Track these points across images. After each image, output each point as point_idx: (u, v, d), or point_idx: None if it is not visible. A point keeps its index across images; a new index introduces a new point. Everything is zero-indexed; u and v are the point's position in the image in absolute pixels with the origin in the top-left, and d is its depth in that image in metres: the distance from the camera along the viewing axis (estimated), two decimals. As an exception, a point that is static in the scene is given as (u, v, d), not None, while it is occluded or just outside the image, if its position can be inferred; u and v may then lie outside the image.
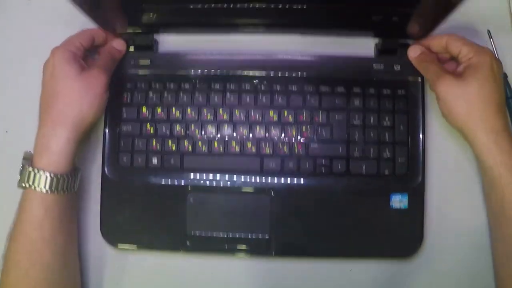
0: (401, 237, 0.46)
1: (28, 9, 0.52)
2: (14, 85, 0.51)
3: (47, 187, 0.41)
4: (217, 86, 0.48)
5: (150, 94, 0.47)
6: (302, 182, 0.47)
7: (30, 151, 0.43)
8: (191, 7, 0.44)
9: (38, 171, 0.41)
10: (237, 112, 0.47)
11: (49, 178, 0.41)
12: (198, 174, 0.47)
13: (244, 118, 0.47)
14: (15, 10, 0.52)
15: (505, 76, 0.49)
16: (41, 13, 0.51)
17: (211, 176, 0.47)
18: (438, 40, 0.45)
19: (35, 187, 0.40)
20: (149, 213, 0.47)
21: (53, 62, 0.43)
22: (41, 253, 0.41)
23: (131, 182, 0.47)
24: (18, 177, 0.41)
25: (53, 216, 0.41)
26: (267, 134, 0.47)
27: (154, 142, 0.47)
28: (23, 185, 0.41)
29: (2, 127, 0.51)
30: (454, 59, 0.46)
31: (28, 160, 0.42)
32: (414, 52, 0.46)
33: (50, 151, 0.41)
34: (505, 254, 0.42)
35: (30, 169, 0.41)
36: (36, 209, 0.41)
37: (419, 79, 0.47)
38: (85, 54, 0.46)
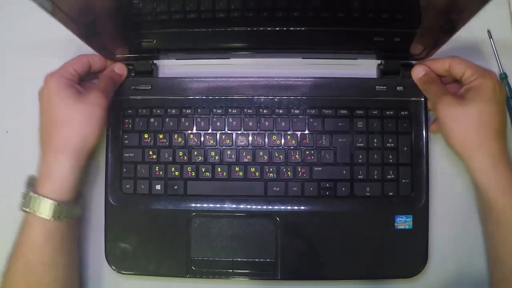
0: (406, 258, 0.46)
1: (30, 11, 0.51)
2: (14, 85, 0.51)
3: (49, 214, 0.40)
4: (219, 110, 0.47)
5: (152, 120, 0.47)
6: (306, 205, 0.46)
7: (33, 176, 0.43)
8: (190, 31, 0.44)
9: (41, 198, 0.40)
10: (239, 137, 0.47)
11: (52, 205, 0.40)
12: (202, 200, 0.47)
13: (246, 142, 0.47)
14: (15, 11, 0.51)
15: (505, 76, 0.49)
16: (41, 13, 0.51)
17: (215, 201, 0.47)
18: (440, 63, 0.45)
19: (37, 213, 0.40)
20: (154, 239, 0.47)
21: (48, 91, 0.42)
22: (40, 276, 0.41)
23: (135, 208, 0.47)
24: (21, 200, 0.41)
25: (54, 241, 0.41)
26: (270, 159, 0.47)
27: (157, 169, 0.47)
28: (25, 209, 0.41)
29: (2, 127, 0.51)
30: (457, 81, 0.45)
31: (31, 185, 0.42)
32: (418, 72, 0.46)
33: (54, 179, 0.41)
34: (503, 276, 0.43)
35: (33, 194, 0.41)
36: (37, 234, 0.41)
37: (422, 100, 0.47)
38: (81, 79, 0.45)
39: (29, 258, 0.41)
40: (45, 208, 0.40)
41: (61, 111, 0.42)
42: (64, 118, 0.42)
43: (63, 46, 0.49)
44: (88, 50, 0.44)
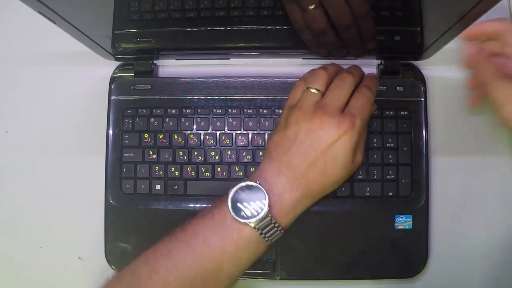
0: (406, 258, 0.46)
1: (28, 9, 0.52)
2: (14, 85, 0.51)
3: (273, 241, 0.38)
4: (219, 110, 0.47)
5: (152, 120, 0.47)
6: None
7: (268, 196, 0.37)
8: (189, 30, 0.44)
9: (278, 228, 0.38)
10: (239, 137, 0.47)
11: (279, 236, 0.38)
12: (202, 200, 0.47)
13: (246, 142, 0.47)
14: (15, 10, 0.52)
15: None
16: (38, 15, 0.51)
17: (215, 201, 0.47)
18: (489, 26, 0.40)
19: (265, 237, 0.38)
20: (154, 239, 0.46)
21: (352, 142, 0.38)
22: (217, 284, 0.38)
23: (135, 208, 0.47)
24: (257, 215, 0.37)
25: (252, 261, 0.39)
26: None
27: (157, 168, 0.47)
28: (257, 228, 0.37)
29: (2, 127, 0.51)
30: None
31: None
32: (471, 49, 0.41)
33: (292, 215, 0.39)
34: None
35: (272, 221, 0.37)
36: (247, 250, 0.38)
37: (422, 100, 0.47)
38: None
39: (223, 266, 0.37)
40: (274, 237, 0.38)
41: (342, 172, 0.39)
42: (338, 177, 0.39)
43: (62, 46, 0.50)
44: (85, 50, 0.44)
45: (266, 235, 0.37)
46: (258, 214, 0.37)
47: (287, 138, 0.39)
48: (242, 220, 0.37)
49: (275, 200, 0.38)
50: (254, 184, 0.37)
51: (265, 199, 0.37)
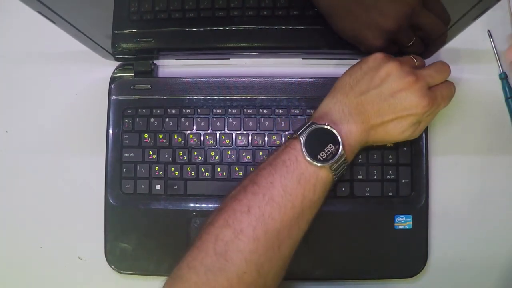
0: (406, 258, 0.46)
1: (28, 9, 0.52)
2: (14, 85, 0.51)
3: (336, 178, 0.39)
4: (219, 110, 0.47)
5: (152, 120, 0.47)
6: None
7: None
8: (189, 30, 0.44)
9: (346, 165, 0.39)
10: (239, 137, 0.47)
11: (344, 171, 0.39)
12: (202, 200, 0.47)
13: (246, 142, 0.47)
14: (15, 10, 0.52)
15: (505, 75, 0.49)
16: (37, 17, 0.51)
17: (215, 201, 0.47)
18: None
19: (334, 175, 0.38)
20: (154, 239, 0.47)
21: (417, 114, 0.39)
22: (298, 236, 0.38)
23: (135, 208, 0.47)
24: (334, 157, 0.37)
25: (319, 208, 0.40)
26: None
27: (156, 169, 0.47)
28: (332, 169, 0.38)
29: (2, 127, 0.51)
30: None
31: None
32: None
33: (354, 153, 0.40)
34: None
35: (345, 160, 0.38)
36: (322, 192, 0.38)
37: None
38: None
39: (304, 212, 0.38)
40: (341, 172, 0.39)
41: (402, 138, 0.42)
42: (397, 140, 0.42)
43: (62, 46, 0.50)
44: (85, 50, 0.44)
45: (336, 173, 0.38)
46: (334, 156, 0.37)
47: (371, 79, 0.39)
48: (319, 164, 0.37)
49: (344, 140, 0.38)
50: (327, 128, 0.38)
51: (339, 142, 0.38)
